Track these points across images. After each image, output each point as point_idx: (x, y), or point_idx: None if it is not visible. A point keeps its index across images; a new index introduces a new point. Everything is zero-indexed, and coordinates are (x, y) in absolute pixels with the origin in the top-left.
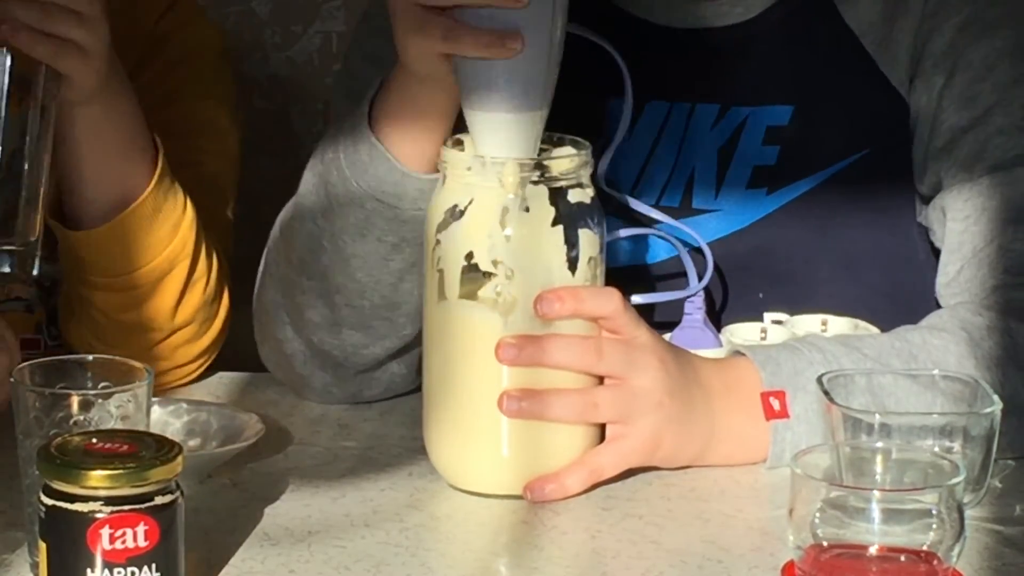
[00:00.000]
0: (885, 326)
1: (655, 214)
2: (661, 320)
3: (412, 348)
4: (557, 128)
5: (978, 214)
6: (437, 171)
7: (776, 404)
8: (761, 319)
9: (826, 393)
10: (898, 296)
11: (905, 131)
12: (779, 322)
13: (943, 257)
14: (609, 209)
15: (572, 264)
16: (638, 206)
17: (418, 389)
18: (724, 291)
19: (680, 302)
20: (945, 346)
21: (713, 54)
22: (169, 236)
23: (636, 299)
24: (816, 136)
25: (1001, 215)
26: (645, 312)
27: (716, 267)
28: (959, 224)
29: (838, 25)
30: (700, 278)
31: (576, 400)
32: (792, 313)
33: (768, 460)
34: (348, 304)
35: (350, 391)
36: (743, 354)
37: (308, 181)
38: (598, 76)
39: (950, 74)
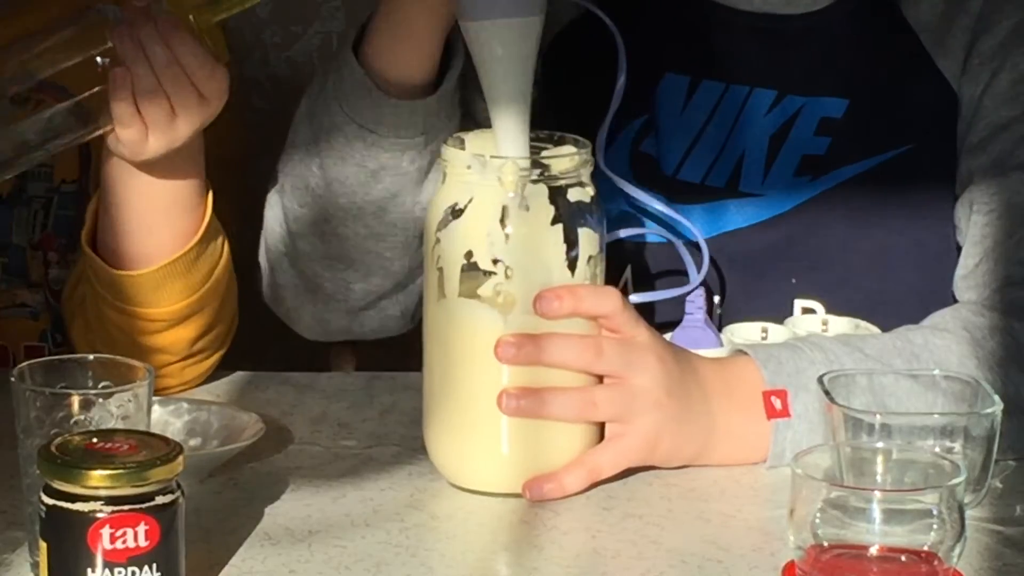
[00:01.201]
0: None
1: (652, 201)
2: (661, 319)
3: (407, 288)
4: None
5: (1003, 209)
6: (418, 97)
7: (778, 403)
8: (792, 305)
9: (827, 393)
10: (929, 296)
11: (954, 128)
12: (811, 310)
13: (964, 249)
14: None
15: (572, 263)
16: (636, 192)
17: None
18: (758, 274)
19: (681, 299)
20: (947, 346)
21: (777, 40)
22: (204, 279)
23: (635, 298)
24: (867, 129)
25: None
26: (645, 308)
27: (749, 251)
28: (984, 217)
29: (898, 21)
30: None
31: (575, 399)
32: (824, 302)
33: (768, 459)
34: (335, 233)
35: (341, 326)
36: (745, 353)
37: (299, 114)
38: (649, 52)
39: (994, 73)
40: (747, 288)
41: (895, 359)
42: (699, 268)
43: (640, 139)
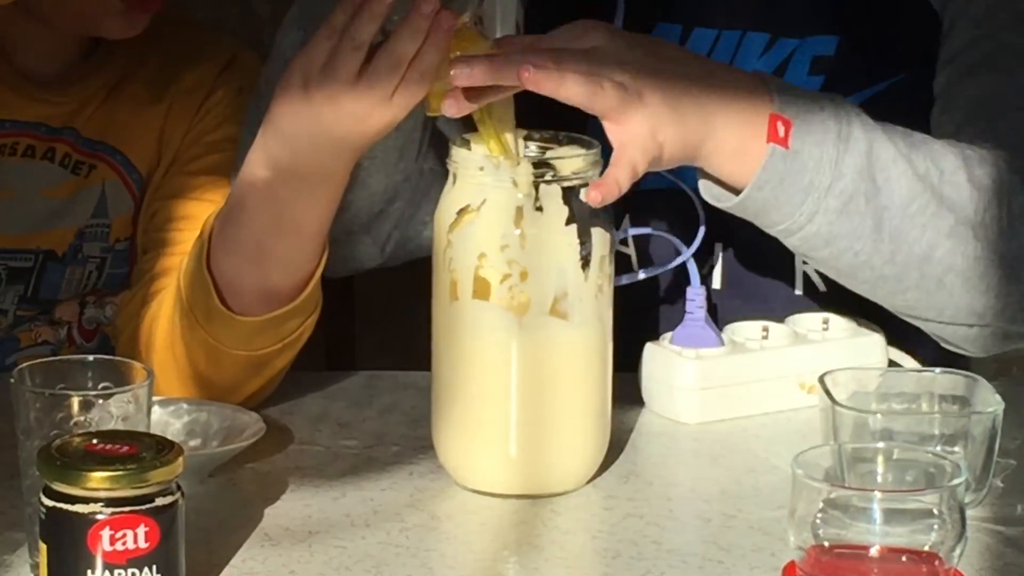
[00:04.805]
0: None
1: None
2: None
3: (380, 214)
4: None
5: (973, 107)
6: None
7: (781, 130)
8: (793, 258)
9: (828, 393)
10: None
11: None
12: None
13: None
14: None
15: (585, 263)
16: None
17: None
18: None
19: (682, 297)
20: (943, 150)
21: None
22: (299, 324)
23: (641, 274)
24: (858, 63)
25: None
26: (647, 294)
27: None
28: (950, 115)
29: None
30: (703, 273)
31: (586, 76)
32: None
33: (752, 180)
34: None
35: None
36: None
37: (288, 19)
38: (639, 1)
39: None
40: (751, 237)
41: (897, 136)
42: (706, 264)
43: None
